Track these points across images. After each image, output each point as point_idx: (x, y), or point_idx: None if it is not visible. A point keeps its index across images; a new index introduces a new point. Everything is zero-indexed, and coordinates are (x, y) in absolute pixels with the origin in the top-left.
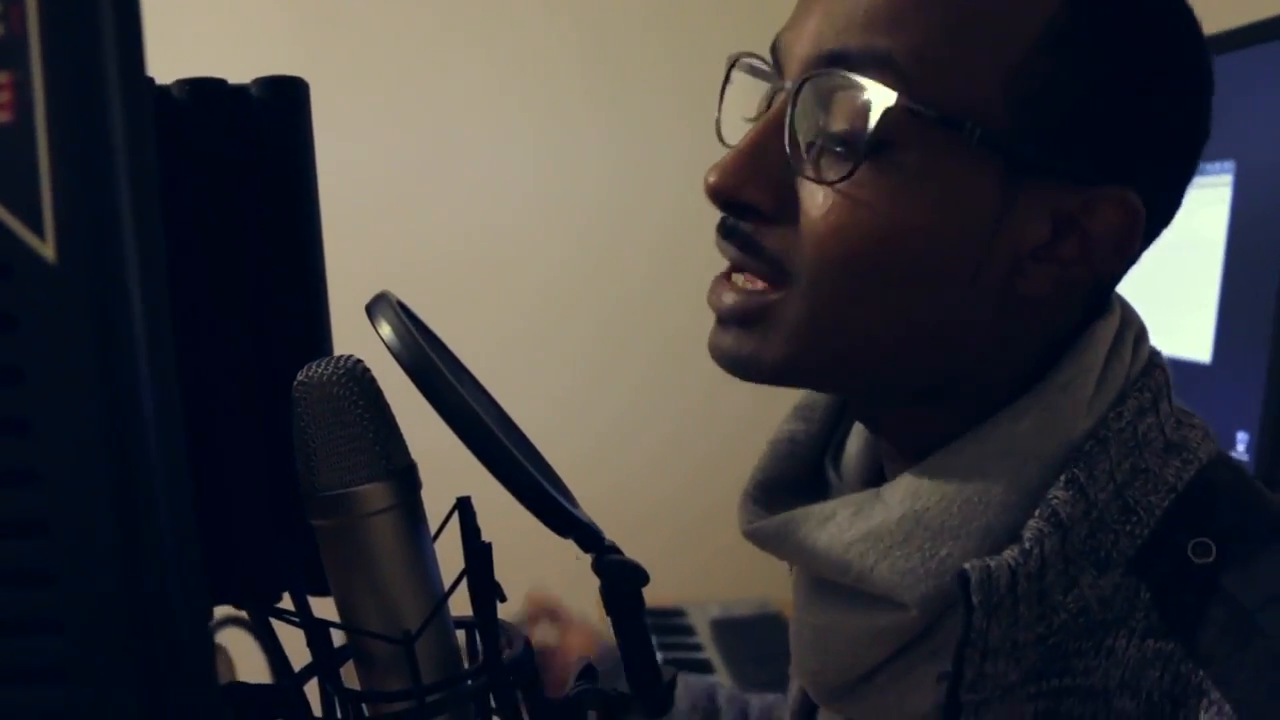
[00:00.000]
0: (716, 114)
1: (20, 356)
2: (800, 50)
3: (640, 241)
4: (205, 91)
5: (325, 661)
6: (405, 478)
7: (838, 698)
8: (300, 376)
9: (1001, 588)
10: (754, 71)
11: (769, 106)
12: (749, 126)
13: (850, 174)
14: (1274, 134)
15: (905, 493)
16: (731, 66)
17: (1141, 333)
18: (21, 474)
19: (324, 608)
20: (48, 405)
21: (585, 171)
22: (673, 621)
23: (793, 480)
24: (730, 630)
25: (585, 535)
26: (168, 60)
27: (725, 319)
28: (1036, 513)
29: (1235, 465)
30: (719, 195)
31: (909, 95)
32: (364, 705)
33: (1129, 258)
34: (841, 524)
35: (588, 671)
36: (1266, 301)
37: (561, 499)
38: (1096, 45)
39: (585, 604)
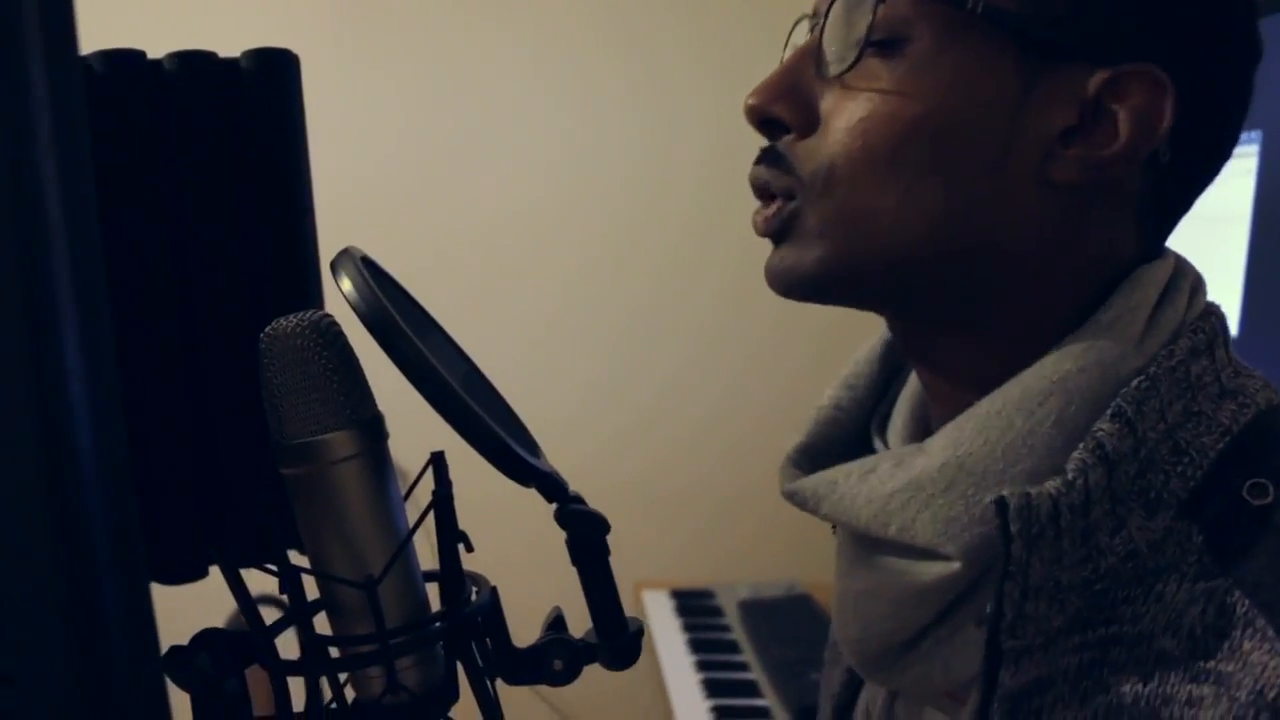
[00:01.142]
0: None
1: None
2: None
3: (671, 225)
4: (195, 64)
5: (299, 609)
6: (370, 427)
7: (883, 667)
8: (267, 329)
9: (1043, 517)
10: (809, 27)
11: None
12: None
13: (855, 63)
14: None
15: (948, 440)
16: (794, 29)
17: (1199, 282)
18: None
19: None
20: None
21: (613, 158)
22: (702, 603)
23: (838, 447)
24: (758, 611)
25: (547, 485)
26: (214, 38)
27: (770, 238)
28: (1081, 445)
29: None
30: (753, 113)
31: None
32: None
33: (1161, 137)
34: (883, 476)
35: (556, 622)
36: None
37: (522, 450)
38: None
39: (559, 556)
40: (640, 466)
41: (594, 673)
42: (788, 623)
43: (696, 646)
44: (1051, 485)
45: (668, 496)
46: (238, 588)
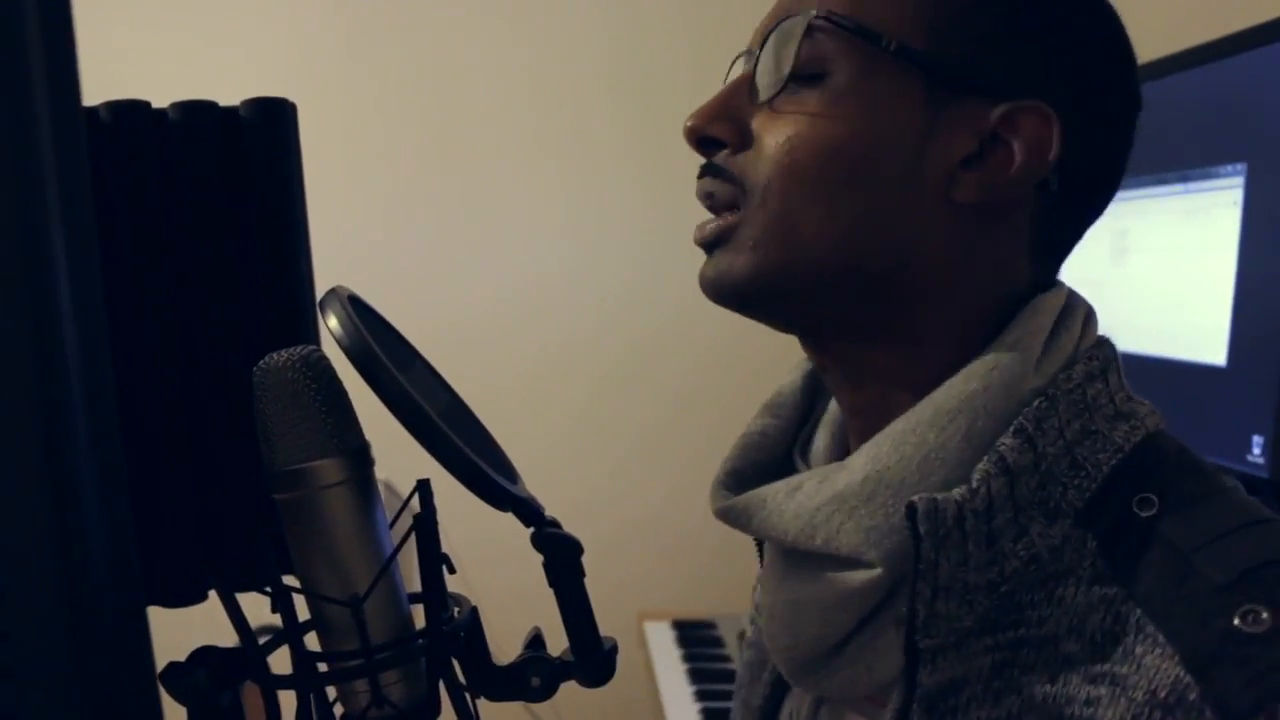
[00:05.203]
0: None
1: None
2: (766, 24)
3: (674, 259)
4: (197, 113)
5: (290, 627)
6: (358, 455)
7: (811, 672)
8: (260, 363)
9: (948, 520)
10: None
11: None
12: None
13: (781, 89)
14: None
15: (867, 457)
16: (731, 66)
17: (1090, 313)
18: None
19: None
20: None
21: (614, 207)
22: (704, 633)
23: (764, 470)
24: None
25: (522, 510)
26: (218, 88)
27: (704, 248)
28: (986, 458)
29: (1179, 441)
30: (692, 133)
31: (828, 12)
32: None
33: (1048, 166)
34: (809, 491)
35: (535, 641)
36: None
37: (498, 476)
38: None
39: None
40: (643, 499)
41: (595, 702)
42: None
43: (697, 676)
44: (957, 491)
45: (670, 528)
46: (232, 608)
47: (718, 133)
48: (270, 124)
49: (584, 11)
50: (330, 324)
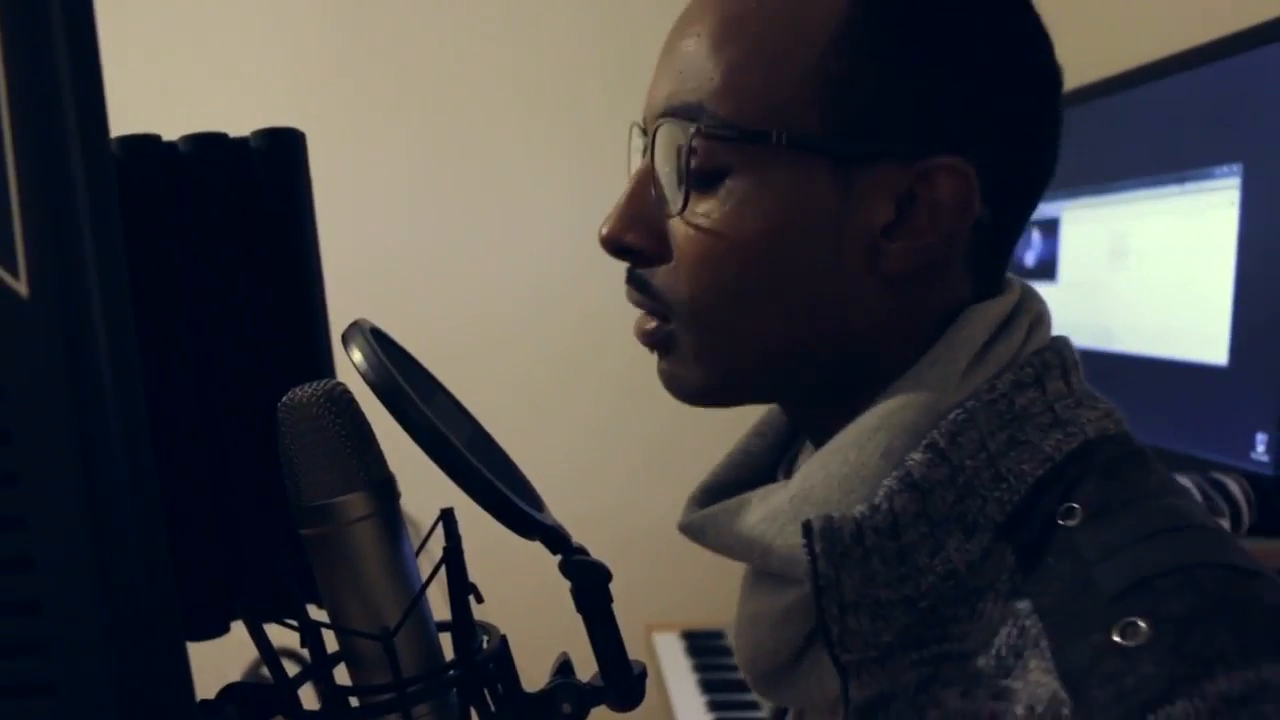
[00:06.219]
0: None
1: (1, 376)
2: (650, 108)
3: None
4: (207, 145)
5: (319, 662)
6: (383, 488)
7: (772, 685)
8: (284, 399)
9: (846, 538)
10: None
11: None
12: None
13: (684, 207)
14: None
15: (800, 475)
16: (630, 134)
17: (1040, 317)
18: (4, 478)
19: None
20: (26, 417)
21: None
22: (713, 643)
23: (743, 488)
24: None
25: (550, 537)
26: (223, 119)
27: (651, 350)
28: (893, 474)
29: (1133, 447)
30: (608, 245)
31: (709, 125)
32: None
33: (973, 217)
34: (752, 509)
35: (564, 667)
36: None
37: (525, 505)
38: (888, 36)
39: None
40: (650, 509)
41: (607, 716)
42: None
43: (708, 687)
44: (858, 509)
45: (677, 538)
46: (261, 642)
47: (635, 243)
48: (281, 154)
49: (588, 6)
50: (355, 358)
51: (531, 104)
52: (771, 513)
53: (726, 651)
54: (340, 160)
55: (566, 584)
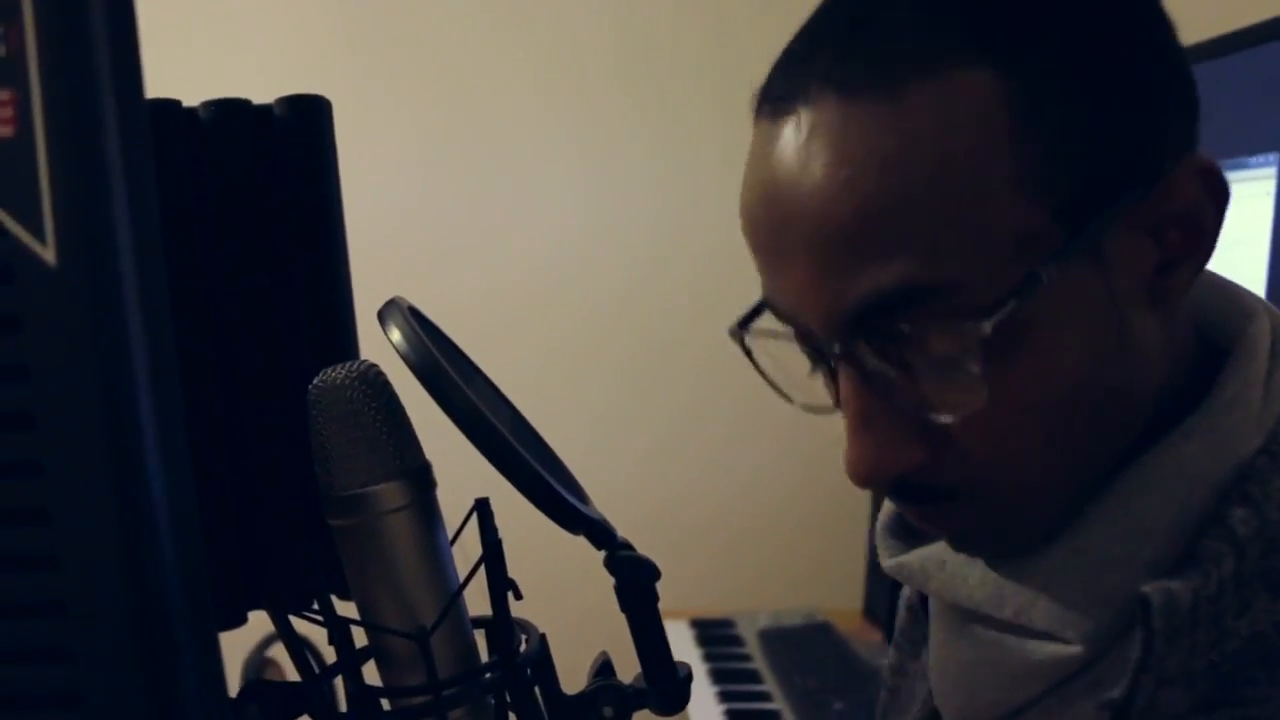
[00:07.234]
0: (773, 389)
1: (25, 354)
2: (818, 308)
3: (690, 255)
4: (230, 111)
5: (348, 659)
6: (419, 477)
7: None
8: (315, 381)
9: (1183, 611)
10: (774, 336)
11: (829, 366)
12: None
13: (964, 400)
14: None
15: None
16: (742, 341)
17: None
18: (27, 466)
19: (347, 612)
20: (51, 400)
21: (635, 190)
22: (722, 632)
23: None
24: (778, 640)
25: (595, 531)
26: (236, 85)
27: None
28: (1213, 533)
29: None
30: (877, 484)
31: (976, 308)
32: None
33: (1224, 191)
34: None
35: (604, 667)
36: None
37: (570, 496)
38: (1052, 102)
39: (603, 600)
40: (657, 496)
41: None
42: (809, 651)
43: (718, 676)
44: (1192, 578)
45: (685, 526)
46: (288, 635)
47: (904, 467)
48: (306, 122)
49: None
50: (394, 338)
51: (545, 85)
52: (1030, 566)
53: (736, 640)
54: (351, 138)
55: (593, 578)
